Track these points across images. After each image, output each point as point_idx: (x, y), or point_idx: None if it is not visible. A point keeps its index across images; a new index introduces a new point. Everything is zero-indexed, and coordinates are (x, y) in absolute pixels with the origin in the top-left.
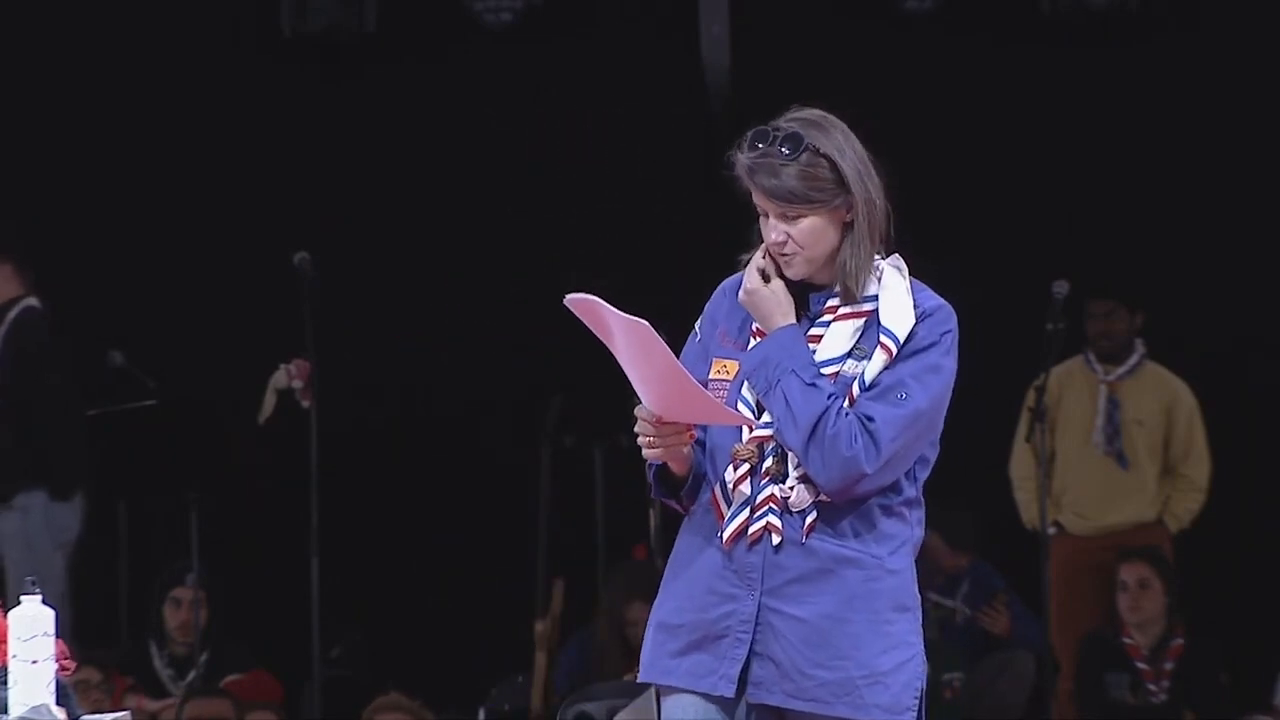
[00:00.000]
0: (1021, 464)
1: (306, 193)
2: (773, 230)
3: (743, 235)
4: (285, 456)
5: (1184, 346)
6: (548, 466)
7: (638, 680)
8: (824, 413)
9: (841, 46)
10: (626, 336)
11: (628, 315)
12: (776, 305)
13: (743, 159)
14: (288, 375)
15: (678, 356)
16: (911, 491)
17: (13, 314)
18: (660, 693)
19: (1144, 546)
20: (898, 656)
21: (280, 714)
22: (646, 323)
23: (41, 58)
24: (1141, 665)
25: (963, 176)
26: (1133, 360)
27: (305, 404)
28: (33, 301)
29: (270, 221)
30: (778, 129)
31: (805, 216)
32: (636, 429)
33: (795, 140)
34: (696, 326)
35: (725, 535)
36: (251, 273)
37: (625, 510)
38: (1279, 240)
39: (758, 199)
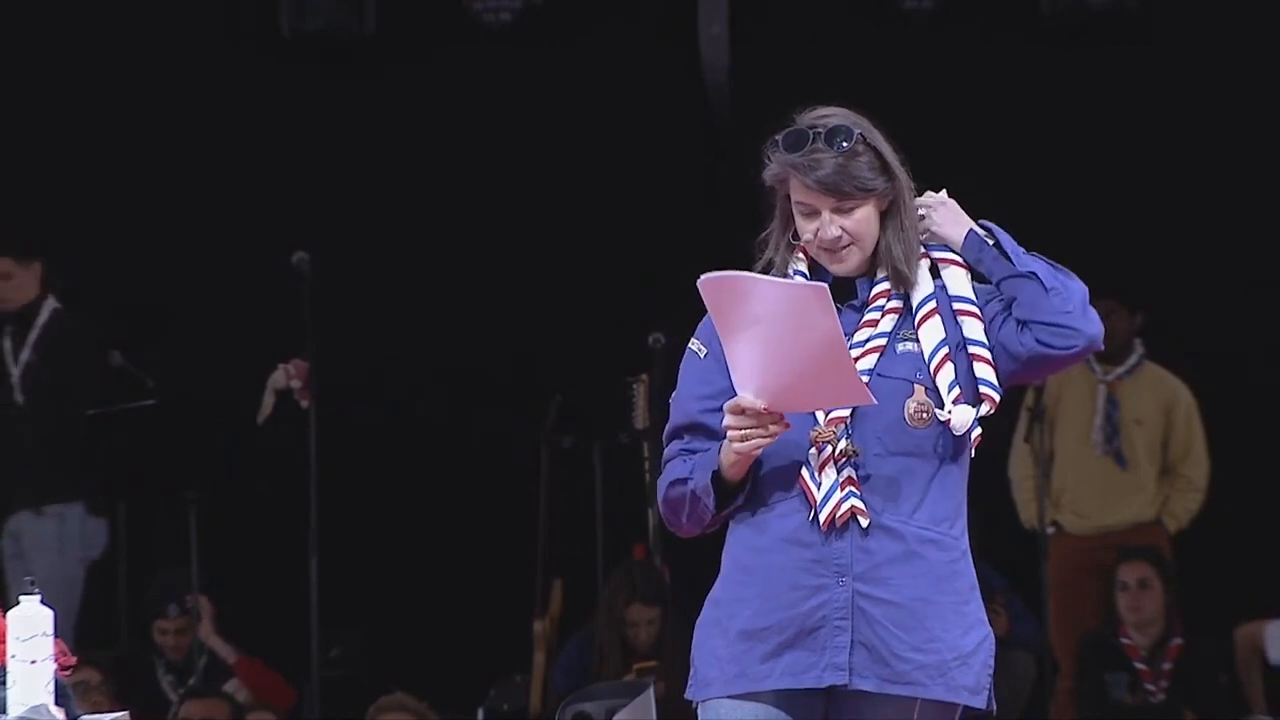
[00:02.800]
0: (1020, 464)
1: (305, 193)
2: (827, 226)
3: (745, 234)
4: (284, 457)
5: (1183, 346)
6: (547, 467)
7: (718, 696)
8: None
9: (840, 46)
10: (781, 308)
11: (799, 281)
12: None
13: (787, 157)
14: (286, 375)
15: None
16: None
17: (43, 317)
18: (702, 704)
19: (1144, 546)
20: (976, 636)
21: (284, 715)
22: (825, 285)
23: (37, 58)
24: (1140, 665)
25: (961, 176)
26: (1132, 360)
27: (304, 404)
28: (56, 304)
29: (269, 221)
30: (816, 126)
31: (859, 207)
32: (730, 423)
33: (844, 132)
34: (699, 345)
35: (823, 519)
36: (250, 273)
37: (624, 510)
38: (1277, 241)
39: (805, 197)
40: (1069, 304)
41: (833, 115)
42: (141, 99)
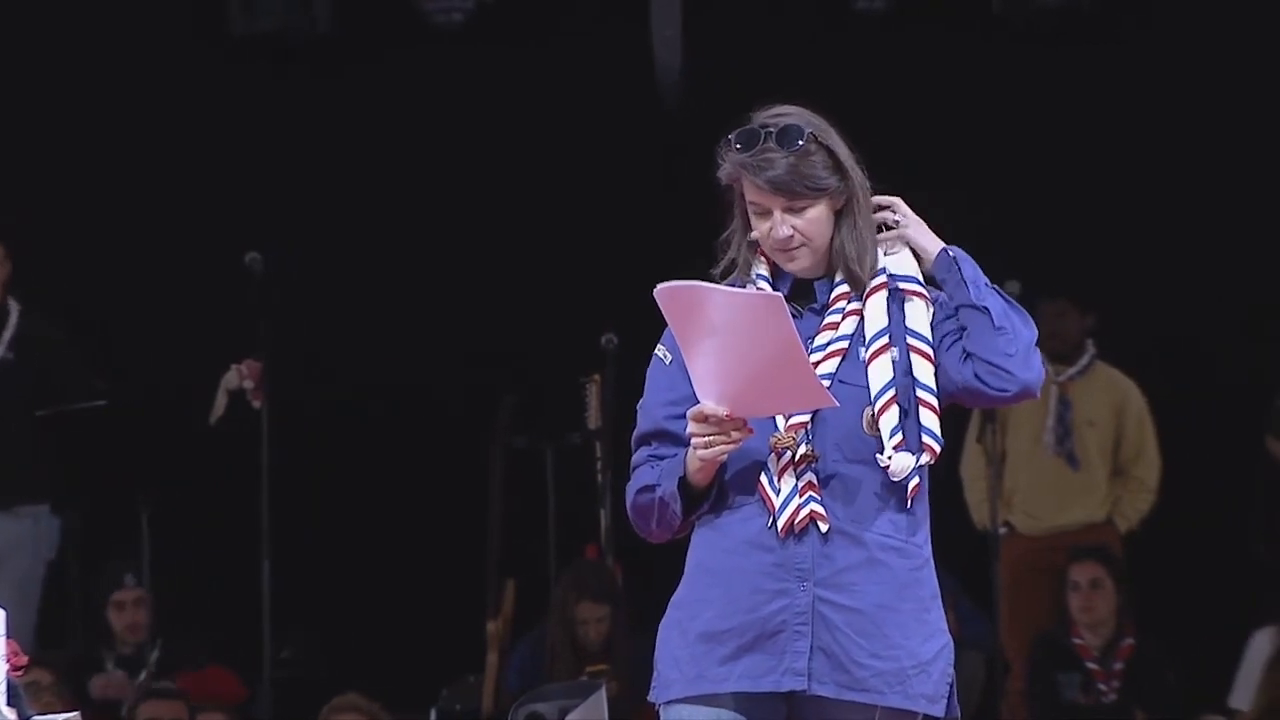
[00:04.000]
0: (972, 464)
1: (258, 193)
2: (780, 226)
3: (698, 235)
4: (236, 457)
5: (1134, 347)
6: (499, 467)
7: (678, 698)
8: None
9: (793, 47)
10: (736, 317)
11: (752, 292)
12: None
13: (739, 157)
14: (239, 375)
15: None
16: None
17: (13, 317)
18: (664, 706)
19: (1096, 546)
20: (936, 644)
21: (235, 716)
22: (780, 295)
23: None
24: (1092, 665)
25: (913, 176)
26: (1083, 361)
27: (256, 404)
28: (18, 304)
29: (221, 222)
30: (768, 125)
31: (811, 206)
32: (693, 430)
33: (795, 131)
34: (664, 351)
35: (780, 524)
36: (202, 273)
37: (576, 510)
38: (1230, 240)
39: (757, 197)
40: (1012, 346)
41: (786, 114)
42: (91, 99)
